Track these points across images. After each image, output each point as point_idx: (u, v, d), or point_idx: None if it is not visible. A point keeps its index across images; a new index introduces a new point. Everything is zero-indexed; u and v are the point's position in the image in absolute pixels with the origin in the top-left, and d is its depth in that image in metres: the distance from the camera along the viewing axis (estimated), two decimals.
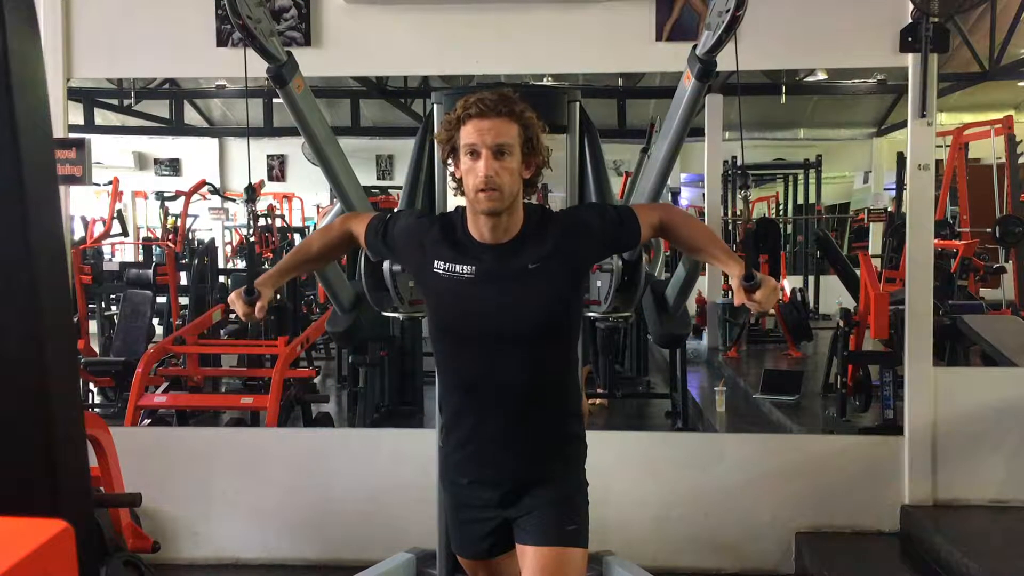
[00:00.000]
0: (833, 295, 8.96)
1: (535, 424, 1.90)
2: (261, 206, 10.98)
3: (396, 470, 3.55)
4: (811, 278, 10.20)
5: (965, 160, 6.98)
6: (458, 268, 1.84)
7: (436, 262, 1.85)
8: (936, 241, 4.40)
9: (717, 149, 8.24)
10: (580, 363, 2.12)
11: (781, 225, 11.28)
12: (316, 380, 5.78)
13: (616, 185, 7.34)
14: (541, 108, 1.87)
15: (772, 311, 8.15)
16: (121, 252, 11.19)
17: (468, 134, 1.77)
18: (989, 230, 6.28)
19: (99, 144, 9.43)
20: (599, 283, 2.42)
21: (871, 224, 10.59)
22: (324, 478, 3.64)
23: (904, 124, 3.86)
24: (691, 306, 8.07)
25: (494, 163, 1.75)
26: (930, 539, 3.26)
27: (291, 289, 7.15)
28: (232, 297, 1.98)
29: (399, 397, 5.75)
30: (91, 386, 6.02)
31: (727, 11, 1.96)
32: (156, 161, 13.11)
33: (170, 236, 10.44)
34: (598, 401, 6.10)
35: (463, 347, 1.91)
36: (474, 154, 1.77)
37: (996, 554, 3.14)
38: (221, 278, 7.85)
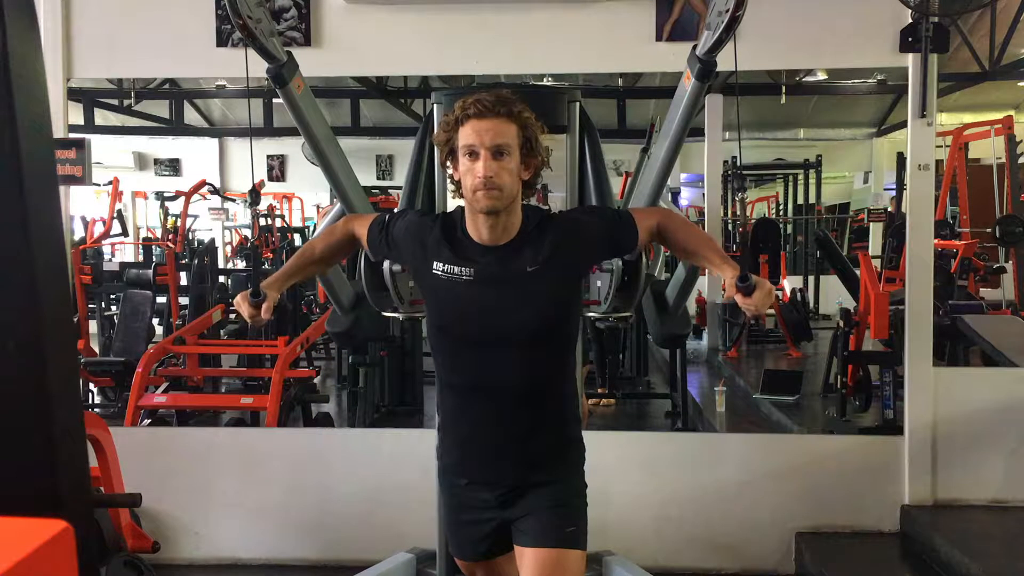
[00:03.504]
0: (833, 295, 8.96)
1: (532, 427, 1.89)
2: (261, 206, 11.00)
3: (396, 470, 3.55)
4: (811, 278, 10.21)
5: (965, 160, 6.98)
6: (456, 270, 1.83)
7: (436, 263, 1.84)
8: (936, 241, 4.40)
9: (717, 149, 8.24)
10: (580, 364, 2.12)
11: (781, 225, 11.29)
12: (316, 380, 5.78)
13: (616, 185, 7.33)
14: (541, 108, 1.86)
15: (772, 311, 8.16)
16: (121, 252, 11.19)
17: (466, 135, 1.76)
18: (989, 230, 6.28)
19: (99, 144, 9.40)
20: (599, 283, 2.42)
21: (871, 224, 10.60)
22: (324, 478, 3.64)
23: (904, 124, 3.87)
24: (691, 306, 8.08)
25: (493, 163, 1.73)
26: (930, 539, 3.26)
27: (291, 289, 7.15)
28: (238, 299, 1.92)
29: (399, 397, 5.75)
30: (91, 386, 6.02)
31: (727, 11, 1.96)
32: (156, 161, 13.09)
33: (170, 236, 10.43)
34: (602, 402, 6.09)
35: (460, 348, 1.90)
36: (473, 155, 1.75)
37: (996, 554, 3.14)
38: (221, 278, 7.85)
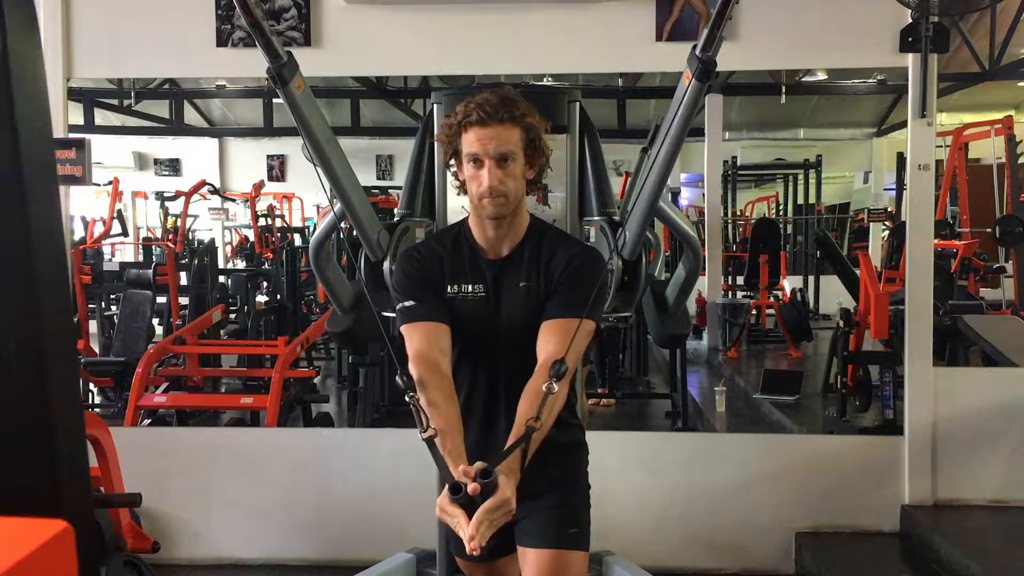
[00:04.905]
0: (833, 295, 8.97)
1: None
2: (261, 206, 11.00)
3: (396, 470, 3.55)
4: (811, 278, 10.21)
5: (965, 160, 6.98)
6: (470, 288, 1.85)
7: (449, 287, 1.86)
8: (936, 241, 4.40)
9: (717, 149, 8.25)
10: (581, 365, 2.12)
11: (781, 225, 11.29)
12: (316, 380, 5.78)
13: (616, 185, 7.34)
14: (541, 108, 1.87)
15: (772, 311, 8.16)
16: (121, 252, 11.19)
17: (470, 142, 1.76)
18: (989, 230, 6.28)
19: (99, 144, 9.42)
20: None
21: (871, 224, 10.60)
22: (324, 478, 3.64)
23: (904, 124, 3.87)
24: (691, 306, 8.08)
25: (498, 171, 1.74)
26: (930, 539, 3.26)
27: (291, 289, 7.16)
28: (469, 519, 1.60)
29: (399, 397, 5.73)
30: (91, 386, 6.02)
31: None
32: (156, 161, 13.11)
33: (170, 236, 10.44)
34: (602, 402, 6.10)
35: (463, 359, 1.91)
36: (477, 162, 1.76)
37: (996, 554, 3.14)
38: (221, 278, 7.85)
